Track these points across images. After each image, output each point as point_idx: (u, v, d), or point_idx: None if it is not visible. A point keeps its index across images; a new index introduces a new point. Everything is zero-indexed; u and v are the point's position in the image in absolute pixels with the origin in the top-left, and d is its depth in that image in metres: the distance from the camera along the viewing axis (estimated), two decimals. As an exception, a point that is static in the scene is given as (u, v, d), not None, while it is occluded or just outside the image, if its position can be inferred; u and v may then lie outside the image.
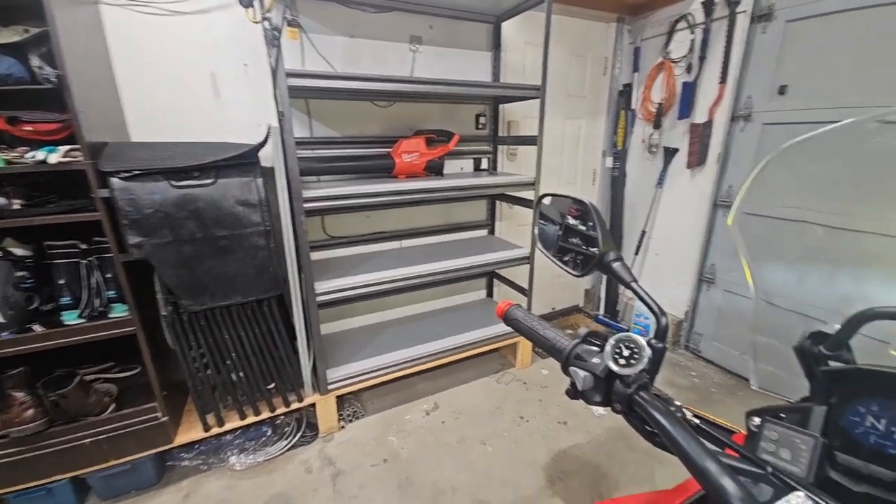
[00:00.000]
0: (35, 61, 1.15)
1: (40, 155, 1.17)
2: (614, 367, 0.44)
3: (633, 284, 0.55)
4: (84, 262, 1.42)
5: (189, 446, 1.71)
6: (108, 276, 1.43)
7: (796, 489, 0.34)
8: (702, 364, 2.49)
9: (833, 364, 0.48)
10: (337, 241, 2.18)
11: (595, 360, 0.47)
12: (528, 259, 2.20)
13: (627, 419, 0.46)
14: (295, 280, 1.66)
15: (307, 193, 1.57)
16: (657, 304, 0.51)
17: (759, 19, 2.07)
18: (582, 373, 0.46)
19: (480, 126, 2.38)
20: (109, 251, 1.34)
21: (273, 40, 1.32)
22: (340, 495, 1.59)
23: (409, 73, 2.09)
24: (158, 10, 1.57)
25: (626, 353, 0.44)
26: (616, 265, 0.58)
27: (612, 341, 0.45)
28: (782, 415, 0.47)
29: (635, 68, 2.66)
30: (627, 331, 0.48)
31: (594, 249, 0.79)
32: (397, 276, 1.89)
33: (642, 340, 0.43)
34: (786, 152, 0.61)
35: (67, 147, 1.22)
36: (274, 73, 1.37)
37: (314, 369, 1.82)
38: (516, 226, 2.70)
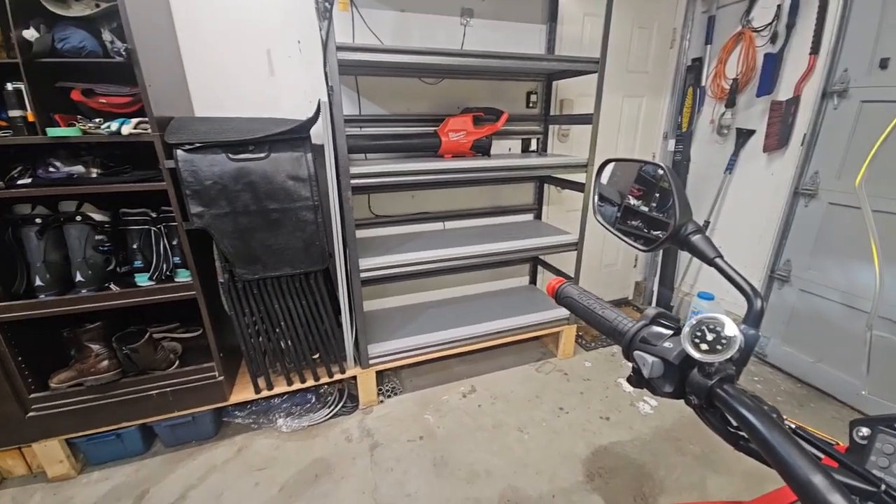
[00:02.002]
0: (107, 35, 1.22)
1: (114, 126, 1.26)
2: (695, 354, 0.37)
3: (718, 260, 0.47)
4: (154, 229, 1.53)
5: (242, 406, 1.83)
6: (174, 243, 1.54)
7: None
8: (766, 369, 2.27)
9: None
10: (382, 220, 2.20)
11: (667, 344, 0.41)
12: (576, 245, 2.10)
13: (702, 416, 0.40)
14: (340, 255, 1.70)
15: (354, 170, 1.58)
16: (750, 284, 0.44)
17: (859, -19, 1.78)
18: (650, 358, 0.40)
19: (531, 104, 2.27)
20: (174, 220, 1.44)
21: (324, 12, 1.31)
22: (377, 466, 1.64)
23: (460, 47, 2.02)
24: (221, -12, 1.63)
25: (709, 337, 0.37)
26: (695, 238, 0.50)
27: (692, 321, 0.38)
28: None
29: (708, 40, 2.40)
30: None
31: (658, 232, 0.72)
32: (439, 256, 1.88)
33: (732, 324, 0.37)
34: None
35: (137, 119, 1.30)
36: (325, 46, 1.38)
37: (356, 343, 1.86)
38: (565, 211, 2.58)
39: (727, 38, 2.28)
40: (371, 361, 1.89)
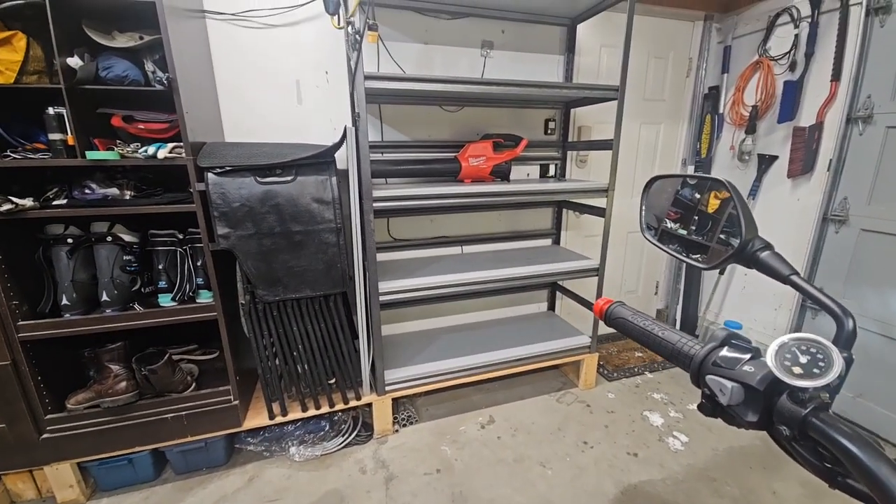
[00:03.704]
0: (149, 66, 1.29)
1: (151, 150, 1.30)
2: (787, 379, 0.34)
3: (795, 278, 0.44)
4: (180, 250, 1.55)
5: (255, 432, 1.78)
6: (199, 264, 1.55)
7: None
8: (803, 403, 2.14)
9: None
10: (401, 244, 2.20)
11: (747, 367, 0.37)
12: (597, 271, 2.06)
13: (791, 450, 0.36)
14: (360, 278, 1.69)
15: (377, 193, 1.59)
16: (838, 303, 0.41)
17: (876, 12, 1.81)
18: (729, 383, 0.37)
19: (549, 131, 2.30)
20: (201, 241, 1.46)
21: (355, 44, 1.37)
22: (393, 500, 1.56)
23: (480, 77, 2.08)
24: (255, 24, 1.72)
25: (802, 359, 0.34)
26: (765, 255, 0.48)
27: (782, 341, 0.35)
28: None
29: (724, 69, 2.43)
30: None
31: (696, 256, 0.69)
32: (457, 280, 1.85)
33: (831, 346, 0.33)
34: None
35: (173, 144, 1.34)
36: (353, 75, 1.42)
37: (373, 368, 1.82)
38: (583, 236, 2.56)
39: (744, 66, 2.31)
40: (387, 388, 1.84)
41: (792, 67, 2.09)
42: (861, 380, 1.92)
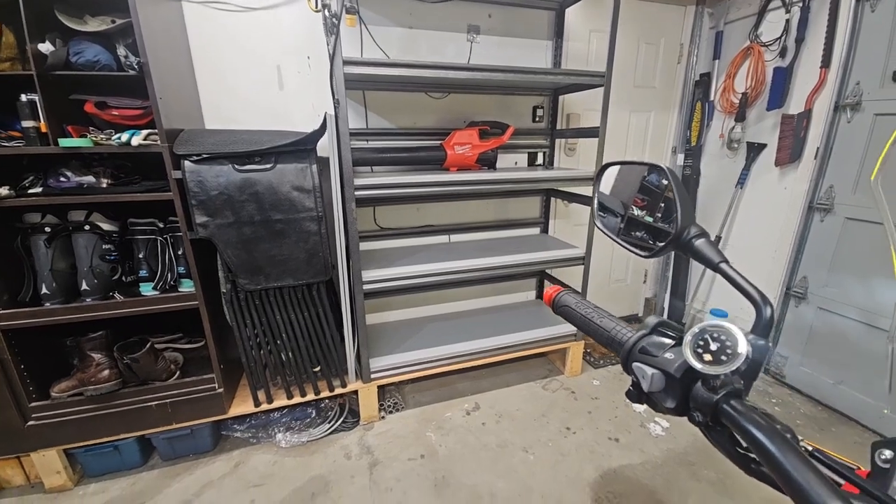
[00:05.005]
0: (121, 50, 1.26)
1: (124, 137, 1.28)
2: (696, 364, 0.34)
3: (724, 265, 0.44)
4: (160, 239, 1.54)
5: (241, 419, 1.80)
6: (180, 253, 1.54)
7: None
8: (785, 391, 2.17)
9: None
10: (387, 233, 2.19)
11: (668, 354, 0.38)
12: (583, 260, 2.06)
13: (709, 436, 0.36)
14: (343, 266, 1.69)
15: (358, 181, 1.58)
16: (758, 290, 0.41)
17: (867, -3, 1.78)
18: (649, 370, 0.37)
19: (538, 119, 2.28)
20: (181, 230, 1.45)
21: (332, 27, 1.34)
22: (376, 485, 1.59)
23: (466, 63, 2.05)
24: (234, 7, 1.68)
25: (713, 346, 0.34)
26: (699, 243, 0.47)
27: (695, 330, 0.35)
28: None
29: (716, 55, 2.40)
30: None
31: (662, 243, 0.69)
32: (444, 269, 1.85)
33: (738, 332, 0.33)
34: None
35: (147, 131, 1.33)
36: (331, 60, 1.40)
37: (358, 357, 1.83)
38: (572, 225, 2.55)
39: (735, 52, 2.27)
40: (373, 375, 1.86)
41: (782, 53, 2.07)
42: (842, 367, 1.94)
